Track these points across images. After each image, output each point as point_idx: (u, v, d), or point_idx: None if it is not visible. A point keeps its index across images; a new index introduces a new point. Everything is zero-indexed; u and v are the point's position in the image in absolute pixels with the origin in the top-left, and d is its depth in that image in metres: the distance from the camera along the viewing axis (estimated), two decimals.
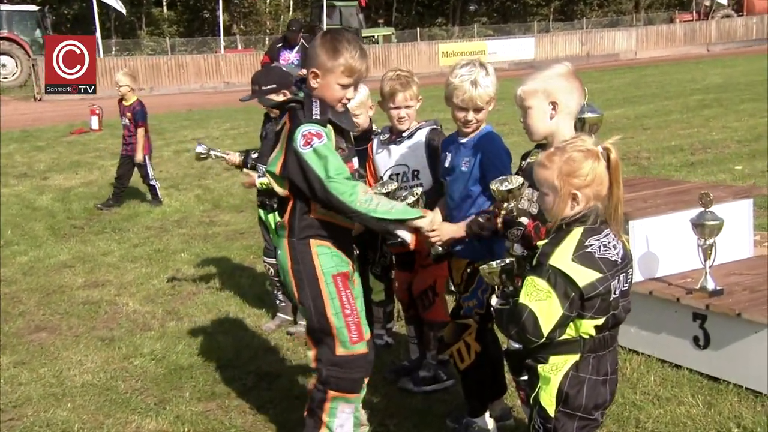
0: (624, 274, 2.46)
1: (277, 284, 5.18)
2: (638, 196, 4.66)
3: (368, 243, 4.48)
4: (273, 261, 5.08)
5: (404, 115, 3.94)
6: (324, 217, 3.11)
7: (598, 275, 2.34)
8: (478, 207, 3.34)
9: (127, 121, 8.93)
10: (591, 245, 2.38)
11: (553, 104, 2.84)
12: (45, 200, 9.53)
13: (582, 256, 2.35)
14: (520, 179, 2.87)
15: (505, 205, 2.86)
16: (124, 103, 8.96)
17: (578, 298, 2.35)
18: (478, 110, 3.32)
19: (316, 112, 3.06)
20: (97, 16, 28.58)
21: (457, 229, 3.26)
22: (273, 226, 4.98)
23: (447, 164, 3.54)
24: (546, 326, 2.34)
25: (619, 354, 4.26)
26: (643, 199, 4.59)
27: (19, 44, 30.23)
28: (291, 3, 47.31)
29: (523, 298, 2.38)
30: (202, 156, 5.31)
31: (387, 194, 3.73)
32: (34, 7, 33.29)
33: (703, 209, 3.92)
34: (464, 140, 3.48)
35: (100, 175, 11.21)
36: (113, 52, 37.01)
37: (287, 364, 4.51)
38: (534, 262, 2.43)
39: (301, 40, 10.85)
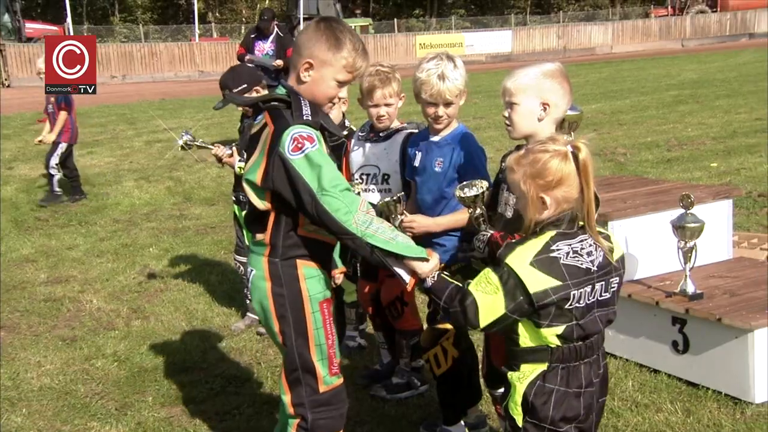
0: (602, 282, 2.33)
1: (247, 284, 5.01)
2: (617, 195, 4.56)
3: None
4: (244, 259, 4.91)
5: (384, 113, 3.75)
6: (312, 235, 2.70)
7: (555, 283, 2.24)
8: (451, 209, 3.22)
9: (51, 107, 8.52)
10: (558, 250, 2.27)
11: (545, 105, 2.71)
12: (9, 191, 9.25)
13: (542, 261, 2.25)
14: (485, 184, 2.78)
15: (470, 211, 2.75)
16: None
17: (527, 304, 2.25)
18: (447, 104, 3.20)
19: (306, 112, 2.63)
20: (68, 1, 27.91)
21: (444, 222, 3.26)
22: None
23: (416, 164, 3.41)
24: (484, 319, 2.29)
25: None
26: (622, 199, 4.50)
27: None
28: None
29: (472, 286, 2.33)
30: (187, 146, 4.92)
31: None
32: None
33: (683, 211, 3.83)
34: (436, 138, 3.35)
35: None
36: None
37: (256, 368, 4.36)
38: (498, 254, 2.34)
39: (275, 29, 10.62)
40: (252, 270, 2.80)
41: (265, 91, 4.77)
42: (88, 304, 5.49)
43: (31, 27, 32.19)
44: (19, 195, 9.11)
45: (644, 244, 4.24)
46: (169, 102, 18.53)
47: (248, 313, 5.10)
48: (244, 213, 4.74)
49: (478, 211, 2.77)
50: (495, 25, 38.48)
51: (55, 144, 8.58)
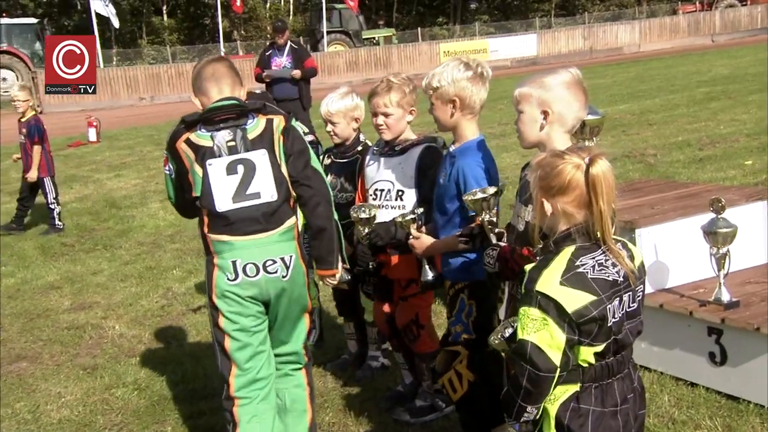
0: (629, 293, 2.20)
1: None
2: (644, 201, 4.38)
3: (356, 261, 4.22)
4: None
5: (381, 122, 3.61)
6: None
7: (591, 298, 2.09)
8: (453, 227, 3.08)
9: (23, 138, 8.41)
10: (583, 264, 2.13)
11: (545, 113, 2.60)
12: (36, 217, 9.29)
13: (571, 279, 2.10)
14: (493, 189, 2.67)
15: (479, 217, 2.64)
16: (22, 119, 8.38)
17: (574, 325, 2.10)
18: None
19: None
20: (95, 27, 28.42)
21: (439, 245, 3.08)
22: None
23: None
24: (555, 356, 2.09)
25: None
26: (650, 204, 4.32)
27: (19, 57, 30.15)
28: (291, 7, 47.14)
29: (520, 334, 2.13)
30: None
31: (367, 220, 3.51)
32: (33, 20, 33.29)
33: (714, 215, 3.65)
34: (451, 149, 3.24)
35: (95, 189, 10.99)
36: (114, 62, 36.94)
37: None
38: (522, 290, 2.18)
39: (289, 42, 10.58)
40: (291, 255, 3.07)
41: None
42: (111, 330, 5.44)
43: None
44: (47, 221, 9.14)
45: (675, 251, 4.05)
46: None
47: None
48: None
49: (487, 216, 2.70)
50: (519, 30, 38.21)
51: (42, 182, 8.52)
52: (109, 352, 5.03)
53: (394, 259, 3.72)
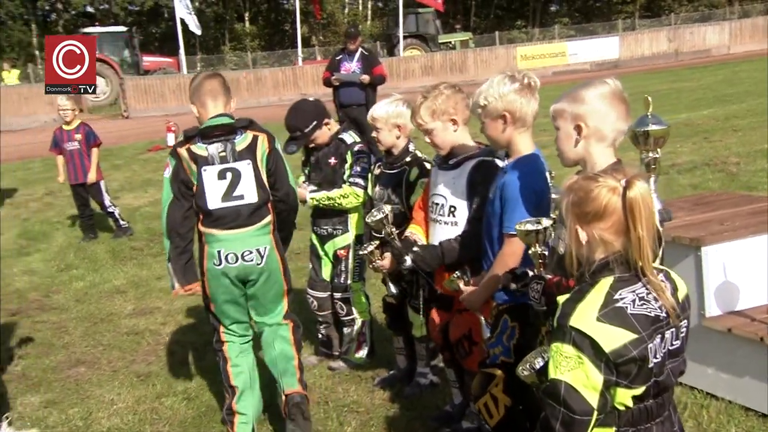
0: (672, 330, 2.00)
1: (319, 318, 4.87)
2: (714, 216, 4.10)
3: (405, 275, 4.11)
4: (318, 294, 4.78)
5: (428, 141, 3.51)
6: None
7: (631, 336, 1.90)
8: (497, 250, 2.92)
9: (77, 144, 8.53)
10: (623, 298, 1.94)
11: (578, 128, 2.44)
12: (111, 221, 9.54)
13: (609, 314, 1.91)
14: (548, 221, 2.46)
15: (531, 250, 2.46)
16: (67, 127, 8.56)
17: (611, 365, 1.91)
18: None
19: None
20: (180, 35, 29.27)
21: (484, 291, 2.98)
22: (328, 255, 4.67)
23: None
24: (591, 397, 1.90)
25: (694, 399, 3.78)
26: (720, 220, 4.03)
27: (109, 64, 31.39)
28: (369, 12, 47.48)
29: (553, 372, 1.95)
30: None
31: (378, 221, 3.58)
32: (123, 28, 34.60)
33: None
34: (503, 163, 3.09)
35: None
36: (198, 68, 38.00)
37: (323, 408, 4.18)
38: (554, 324, 2.00)
39: (360, 48, 10.56)
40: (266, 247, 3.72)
41: (335, 124, 4.64)
42: (168, 337, 5.50)
43: (147, 60, 34.03)
44: (101, 223, 9.40)
45: (745, 272, 3.77)
46: (270, 126, 18.90)
47: (321, 348, 4.95)
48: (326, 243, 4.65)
49: (538, 249, 2.50)
50: (602, 32, 37.25)
51: (98, 185, 8.69)
52: (163, 360, 5.07)
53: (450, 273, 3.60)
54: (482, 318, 3.16)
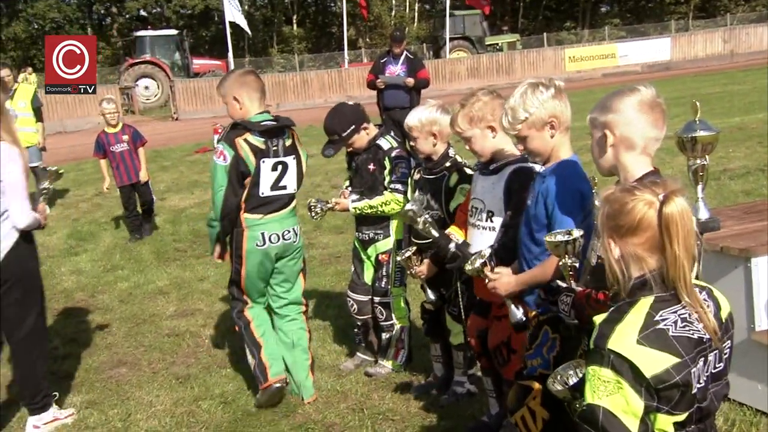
0: (715, 352, 1.90)
1: (358, 323, 4.85)
2: (763, 226, 3.93)
3: (443, 281, 4.06)
4: (358, 297, 4.76)
5: (468, 148, 3.49)
6: None
7: (673, 360, 1.81)
8: (535, 256, 2.85)
9: (126, 146, 8.66)
10: (664, 320, 1.85)
11: (605, 136, 2.39)
12: (158, 221, 9.69)
13: (650, 337, 1.82)
14: (579, 231, 2.38)
15: (560, 261, 2.38)
16: (111, 130, 8.70)
17: (652, 390, 1.82)
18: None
19: None
20: (229, 37, 29.68)
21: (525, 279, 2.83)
22: (370, 259, 4.65)
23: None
24: (631, 423, 1.82)
25: (743, 416, 3.63)
26: None
27: (160, 67, 32.00)
28: (415, 14, 47.43)
29: (590, 397, 1.86)
30: (316, 213, 4.71)
31: (407, 213, 3.61)
32: (174, 31, 35.21)
33: None
34: (541, 169, 3.03)
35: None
36: None
37: (358, 415, 4.15)
38: (591, 345, 1.92)
39: (405, 52, 10.53)
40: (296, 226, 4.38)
41: (373, 128, 4.61)
42: (207, 339, 5.54)
43: (197, 63, 34.57)
44: (166, 225, 9.53)
45: None
46: (314, 128, 18.97)
47: (358, 353, 4.92)
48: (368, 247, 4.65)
49: (568, 261, 2.43)
50: (653, 33, 36.52)
51: (147, 184, 8.91)
52: (202, 362, 5.11)
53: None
54: (510, 302, 3.07)
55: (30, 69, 29.56)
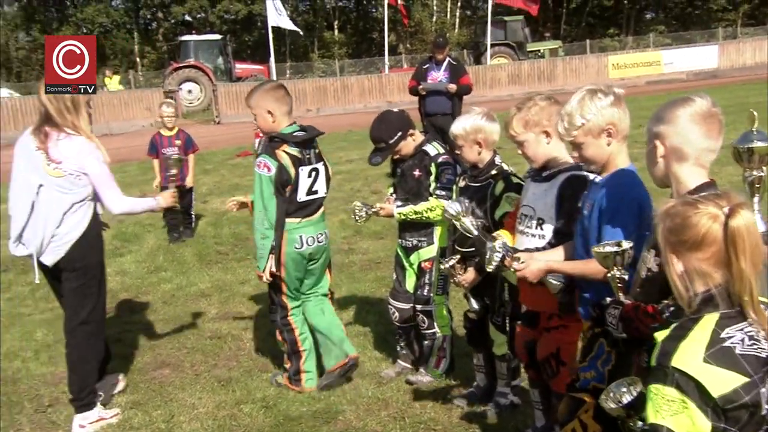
0: None
1: (399, 331, 4.83)
2: None
3: (487, 290, 4.02)
4: (399, 305, 4.73)
5: (520, 152, 3.48)
6: None
7: (742, 380, 1.75)
8: None
9: (176, 150, 8.79)
10: (731, 337, 1.79)
11: (655, 146, 2.39)
12: (200, 225, 9.79)
13: (718, 354, 1.77)
14: (628, 243, 2.36)
15: (609, 273, 2.34)
16: (167, 133, 8.91)
17: (719, 411, 1.76)
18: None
19: None
20: (271, 42, 29.98)
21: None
22: (412, 266, 4.63)
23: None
24: None
25: None
26: None
27: (203, 71, 32.43)
28: (456, 20, 47.35)
29: (652, 416, 1.81)
30: (360, 217, 4.69)
31: (452, 215, 3.53)
32: (217, 36, 35.65)
33: None
34: (597, 178, 2.98)
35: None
36: (287, 75, 38.80)
37: (399, 423, 4.12)
38: (652, 362, 1.86)
39: (447, 58, 10.49)
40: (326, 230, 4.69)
41: (419, 135, 4.59)
42: (248, 342, 5.57)
43: (240, 67, 34.95)
44: (208, 228, 9.62)
45: None
46: (354, 133, 19.03)
47: (399, 360, 4.89)
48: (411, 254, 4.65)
49: (617, 273, 2.40)
50: (699, 41, 35.89)
51: (190, 190, 9.04)
52: (244, 365, 5.13)
53: (537, 290, 3.50)
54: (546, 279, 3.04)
55: None
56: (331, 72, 39.24)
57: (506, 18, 33.65)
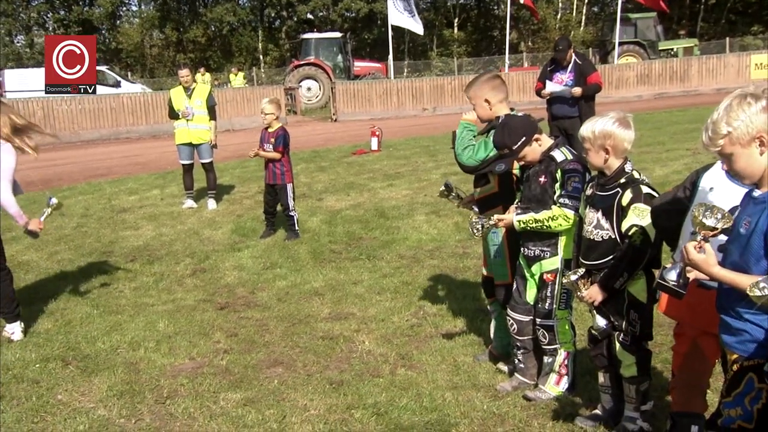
0: None
1: (518, 343, 4.60)
2: None
3: (614, 308, 3.75)
4: (518, 317, 4.52)
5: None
6: None
7: None
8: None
9: (272, 147, 9.00)
10: None
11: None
12: (314, 222, 9.87)
13: None
14: (729, 219, 2.37)
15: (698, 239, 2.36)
16: (270, 129, 9.06)
17: None
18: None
19: None
20: (391, 41, 30.15)
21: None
22: (534, 277, 4.42)
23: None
24: None
25: None
26: None
27: (323, 69, 33.05)
28: (582, 18, 45.93)
29: None
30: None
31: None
32: (337, 34, 36.23)
33: None
34: (756, 193, 2.63)
35: (368, 197, 11.42)
36: (405, 74, 38.93)
37: None
38: None
39: (573, 57, 10.06)
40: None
41: (547, 139, 4.36)
42: (360, 345, 5.49)
43: (358, 65, 35.38)
44: (322, 226, 9.67)
45: None
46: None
47: (516, 374, 4.67)
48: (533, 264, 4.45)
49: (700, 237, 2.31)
50: None
51: (285, 188, 9.07)
52: (355, 369, 5.05)
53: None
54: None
55: (203, 69, 31.55)
56: (448, 70, 39.01)
57: (636, 15, 32.30)
